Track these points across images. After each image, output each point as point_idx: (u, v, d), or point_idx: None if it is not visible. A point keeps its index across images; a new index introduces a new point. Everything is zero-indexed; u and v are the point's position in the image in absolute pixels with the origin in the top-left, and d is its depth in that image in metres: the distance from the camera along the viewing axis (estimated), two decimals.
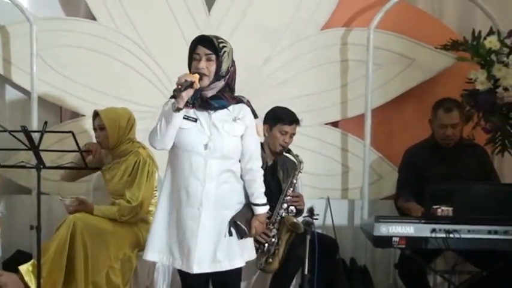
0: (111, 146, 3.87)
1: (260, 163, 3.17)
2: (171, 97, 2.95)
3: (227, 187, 3.05)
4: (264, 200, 3.17)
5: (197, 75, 2.91)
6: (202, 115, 2.99)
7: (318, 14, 4.58)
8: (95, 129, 3.90)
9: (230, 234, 3.04)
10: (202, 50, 2.98)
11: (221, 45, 3.00)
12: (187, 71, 3.01)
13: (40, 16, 4.48)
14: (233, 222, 3.05)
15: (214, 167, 2.99)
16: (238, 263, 3.08)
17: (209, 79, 2.97)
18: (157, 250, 3.05)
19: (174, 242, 3.02)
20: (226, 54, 3.01)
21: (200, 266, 2.98)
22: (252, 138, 3.11)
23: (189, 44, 3.04)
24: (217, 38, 3.03)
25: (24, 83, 4.42)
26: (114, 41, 4.49)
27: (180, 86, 2.84)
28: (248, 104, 3.13)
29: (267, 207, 3.20)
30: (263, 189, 3.18)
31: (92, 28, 4.49)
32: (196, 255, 2.97)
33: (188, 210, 2.99)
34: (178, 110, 2.88)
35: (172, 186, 3.04)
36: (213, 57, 2.98)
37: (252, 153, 3.12)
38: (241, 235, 3.06)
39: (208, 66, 2.97)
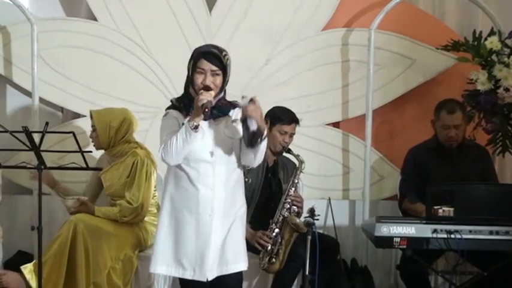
0: (103, 147, 3.88)
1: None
2: (170, 107, 3.03)
3: (233, 191, 3.06)
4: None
5: (213, 93, 2.91)
6: (203, 123, 2.95)
7: (318, 15, 4.57)
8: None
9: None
10: (208, 66, 2.95)
11: (226, 57, 2.99)
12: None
13: (41, 16, 4.48)
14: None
15: (222, 173, 3.00)
16: (243, 265, 3.10)
17: (215, 93, 2.96)
18: (165, 262, 3.01)
19: (183, 252, 2.99)
20: (229, 66, 3.02)
21: (212, 272, 2.99)
22: None
23: (192, 52, 3.01)
24: (220, 50, 3.00)
25: (25, 84, 4.42)
26: (115, 41, 4.49)
27: (207, 110, 2.83)
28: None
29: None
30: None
31: (93, 28, 4.48)
32: (210, 262, 2.97)
33: (199, 218, 2.97)
34: (196, 128, 2.87)
35: (176, 195, 3.01)
36: (220, 72, 2.97)
37: None
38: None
39: (214, 81, 2.96)
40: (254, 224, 3.67)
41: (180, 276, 3.03)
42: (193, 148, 2.93)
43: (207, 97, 2.86)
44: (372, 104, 4.46)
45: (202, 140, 2.95)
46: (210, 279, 2.98)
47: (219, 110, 3.00)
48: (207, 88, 2.92)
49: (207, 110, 2.84)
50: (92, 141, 3.92)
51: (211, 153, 2.98)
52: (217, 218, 2.99)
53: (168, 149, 2.90)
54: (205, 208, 2.97)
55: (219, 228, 3.00)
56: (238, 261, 3.07)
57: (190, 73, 3.00)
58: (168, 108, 3.08)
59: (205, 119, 2.92)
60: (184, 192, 2.99)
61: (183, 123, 2.93)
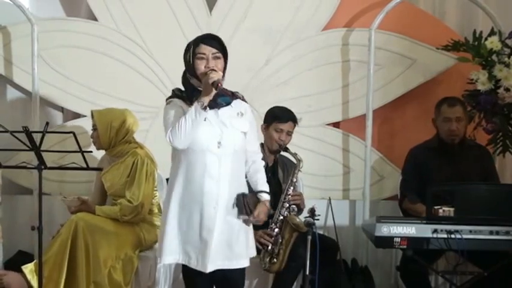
0: (104, 147, 3.87)
1: (261, 156, 3.28)
2: (173, 97, 3.04)
3: (237, 187, 3.08)
4: (268, 188, 3.23)
5: (221, 72, 2.94)
6: (209, 113, 2.97)
7: (319, 15, 4.57)
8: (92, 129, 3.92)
9: (237, 206, 3.06)
10: (208, 50, 2.98)
11: (222, 42, 3.03)
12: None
13: (41, 16, 4.49)
14: (242, 196, 3.05)
15: (228, 166, 3.01)
16: (245, 262, 3.12)
17: None
18: (172, 252, 3.04)
19: (188, 242, 3.02)
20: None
21: (213, 264, 3.00)
22: (255, 134, 3.21)
23: (186, 46, 3.05)
24: (215, 35, 3.06)
25: (26, 84, 4.42)
26: (115, 41, 4.49)
27: (220, 84, 2.88)
28: (243, 99, 3.16)
29: (269, 196, 3.23)
30: (265, 178, 3.25)
31: (93, 28, 4.49)
32: (211, 254, 2.98)
33: (204, 209, 2.99)
34: (205, 108, 2.91)
35: (183, 186, 3.03)
36: (220, 55, 2.99)
37: (257, 147, 3.24)
38: (246, 212, 3.06)
39: (216, 65, 2.97)
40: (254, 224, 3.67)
41: (186, 263, 3.04)
42: (200, 138, 2.95)
43: (216, 75, 2.89)
44: (372, 104, 4.46)
45: (209, 131, 2.98)
46: (209, 270, 2.99)
47: (223, 99, 3.01)
48: (214, 70, 2.94)
49: (219, 84, 2.87)
50: (93, 141, 3.92)
51: (219, 144, 2.99)
52: (221, 211, 3.01)
53: (176, 131, 2.91)
54: (210, 200, 2.99)
55: (223, 221, 3.02)
56: (241, 258, 3.10)
57: (191, 61, 3.00)
58: (171, 97, 3.09)
59: (210, 107, 2.93)
60: (191, 183, 3.00)
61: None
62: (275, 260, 3.60)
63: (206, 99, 2.90)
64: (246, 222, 3.10)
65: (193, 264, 3.02)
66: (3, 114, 4.44)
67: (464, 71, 4.39)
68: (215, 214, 2.99)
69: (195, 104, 2.91)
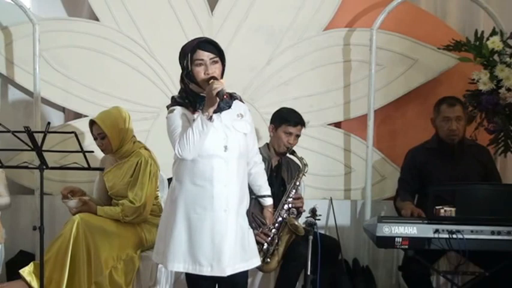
0: (115, 150, 3.86)
1: (261, 157, 3.33)
2: (174, 104, 3.02)
3: (243, 187, 3.10)
4: (270, 190, 3.33)
5: (223, 80, 2.94)
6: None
7: (320, 15, 4.57)
8: (95, 138, 3.87)
9: (251, 226, 3.12)
10: (205, 55, 2.96)
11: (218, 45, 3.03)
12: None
13: (43, 17, 4.49)
14: (251, 214, 3.10)
15: (234, 168, 3.02)
16: (258, 260, 3.15)
17: None
18: (181, 260, 3.02)
19: (198, 249, 2.99)
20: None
21: (231, 268, 3.00)
22: (254, 135, 3.22)
23: (181, 51, 3.04)
24: (211, 39, 3.06)
25: (27, 84, 4.43)
26: (116, 41, 4.50)
27: (225, 96, 2.88)
28: (241, 99, 3.16)
29: (272, 200, 3.36)
30: (267, 182, 3.33)
31: (95, 29, 4.49)
32: (227, 257, 2.98)
33: (214, 214, 2.99)
34: (211, 118, 2.91)
35: (190, 192, 3.01)
36: (217, 59, 2.98)
37: (256, 148, 3.26)
38: (259, 226, 3.19)
39: (215, 70, 2.97)
40: None
41: (197, 272, 3.02)
42: (207, 144, 2.95)
43: (220, 85, 2.88)
44: (374, 104, 4.46)
45: (215, 135, 2.97)
46: (228, 274, 3.00)
47: (225, 103, 3.01)
48: (215, 78, 2.93)
49: (225, 96, 2.87)
50: (102, 148, 3.87)
51: (225, 148, 2.99)
52: (232, 214, 3.01)
53: (185, 143, 2.91)
54: (220, 204, 2.98)
55: (234, 223, 3.02)
56: (254, 257, 3.13)
57: (189, 68, 2.98)
58: (172, 105, 3.06)
59: (215, 111, 2.93)
60: (199, 189, 3.00)
61: (193, 120, 2.94)
62: (269, 259, 3.60)
63: (211, 110, 2.90)
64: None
65: (206, 272, 3.00)
66: (5, 114, 4.45)
67: (465, 71, 4.38)
68: (226, 218, 2.99)
69: (201, 115, 2.90)
